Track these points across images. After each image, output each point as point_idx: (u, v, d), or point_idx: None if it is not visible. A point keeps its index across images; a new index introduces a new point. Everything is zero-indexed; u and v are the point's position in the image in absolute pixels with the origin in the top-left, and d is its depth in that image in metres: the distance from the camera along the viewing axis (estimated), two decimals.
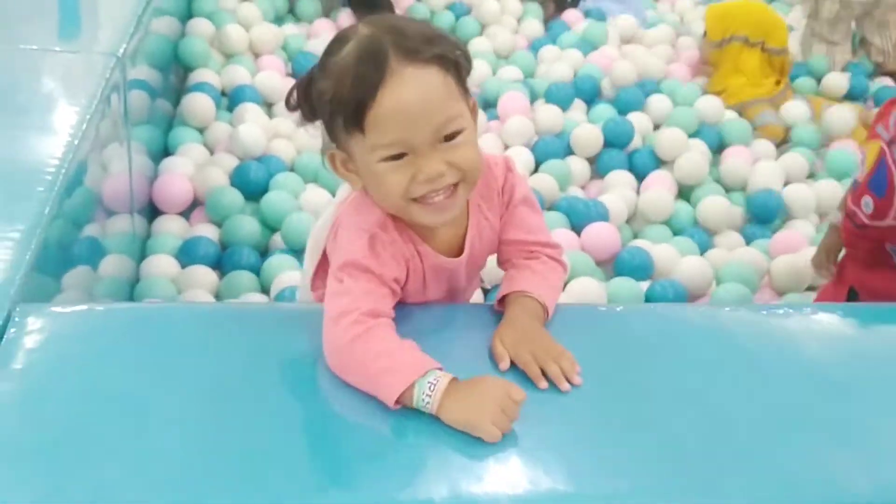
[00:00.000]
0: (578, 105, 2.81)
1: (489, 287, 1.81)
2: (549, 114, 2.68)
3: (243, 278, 2.02)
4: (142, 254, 2.08)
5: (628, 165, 2.58)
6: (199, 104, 2.47)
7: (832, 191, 2.43)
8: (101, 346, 1.09)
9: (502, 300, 1.18)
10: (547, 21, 3.40)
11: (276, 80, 2.71)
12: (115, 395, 1.02)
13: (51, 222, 1.32)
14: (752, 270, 2.13)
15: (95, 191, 1.65)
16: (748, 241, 2.34)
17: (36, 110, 1.62)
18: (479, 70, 2.86)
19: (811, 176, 2.59)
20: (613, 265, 2.18)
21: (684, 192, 2.50)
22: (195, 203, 2.25)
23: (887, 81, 3.13)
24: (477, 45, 3.08)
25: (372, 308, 1.05)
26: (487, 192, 1.18)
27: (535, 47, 3.11)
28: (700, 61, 3.01)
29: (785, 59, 2.85)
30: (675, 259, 2.19)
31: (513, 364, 1.07)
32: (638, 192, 2.47)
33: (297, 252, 2.12)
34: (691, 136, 2.62)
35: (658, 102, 2.75)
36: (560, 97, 2.76)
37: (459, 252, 1.18)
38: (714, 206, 2.36)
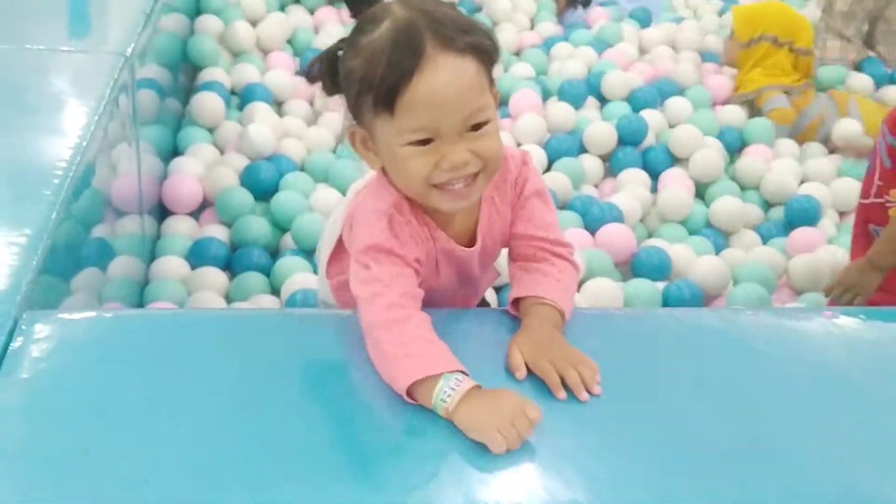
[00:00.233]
0: (592, 102, 2.78)
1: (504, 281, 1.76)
2: (561, 111, 2.65)
3: (254, 280, 2.00)
4: (151, 255, 2.06)
5: (642, 163, 2.55)
6: (208, 103, 2.45)
7: (852, 188, 2.39)
8: (110, 355, 1.06)
9: (515, 303, 1.16)
10: (559, 16, 3.37)
11: (286, 78, 2.69)
12: (124, 405, 1.00)
13: (58, 226, 1.30)
14: (769, 270, 2.10)
15: (104, 192, 1.63)
16: (764, 240, 2.31)
17: (43, 111, 1.60)
18: None
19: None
20: (631, 265, 2.15)
21: (699, 191, 2.47)
22: (205, 203, 2.23)
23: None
24: None
25: (404, 291, 1.05)
26: (501, 184, 1.18)
27: (548, 45, 3.08)
28: (725, 61, 2.97)
29: (811, 61, 2.81)
30: (691, 259, 2.16)
31: (531, 373, 1.05)
32: (651, 191, 2.44)
33: (308, 253, 2.10)
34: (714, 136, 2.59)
35: (676, 104, 2.71)
36: (573, 94, 2.73)
37: (471, 242, 1.18)
38: (728, 205, 2.33)
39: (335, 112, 2.55)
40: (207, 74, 2.60)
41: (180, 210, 2.19)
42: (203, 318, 1.21)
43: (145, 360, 1.06)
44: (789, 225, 2.34)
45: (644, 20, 3.28)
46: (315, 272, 2.02)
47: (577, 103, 2.73)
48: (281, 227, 2.19)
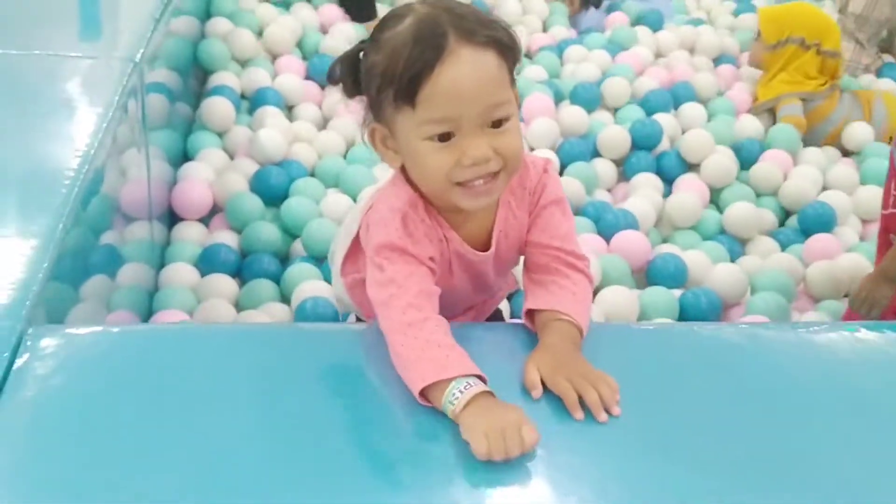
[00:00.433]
0: (604, 106, 2.75)
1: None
2: (574, 115, 2.62)
3: (264, 287, 1.97)
4: (161, 262, 2.04)
5: (656, 168, 2.52)
6: (218, 108, 2.43)
7: (875, 196, 2.35)
8: (117, 371, 1.04)
9: (530, 314, 1.14)
10: (571, 18, 3.33)
11: (296, 82, 2.66)
12: (132, 423, 0.98)
13: (65, 236, 1.28)
14: (788, 278, 2.06)
15: (113, 200, 1.61)
16: (783, 247, 2.27)
17: (51, 118, 1.58)
18: None
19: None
20: (646, 272, 2.12)
21: (713, 196, 2.43)
22: (215, 209, 2.21)
23: None
24: None
25: (419, 290, 1.05)
26: (519, 190, 1.17)
27: (560, 48, 3.05)
28: (750, 63, 2.93)
29: (838, 63, 2.77)
30: (706, 266, 2.13)
31: (547, 391, 1.02)
32: (664, 196, 2.41)
33: (318, 260, 2.08)
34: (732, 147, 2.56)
35: (691, 109, 2.68)
36: (586, 98, 2.70)
37: (486, 247, 1.18)
38: (742, 211, 2.29)
39: (345, 116, 2.55)
40: (217, 78, 2.58)
41: (190, 216, 2.17)
42: (211, 333, 1.19)
43: (154, 376, 1.04)
44: (804, 232, 2.31)
45: (656, 23, 3.24)
46: (325, 279, 2.00)
47: (590, 107, 2.71)
48: (291, 234, 2.17)
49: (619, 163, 2.56)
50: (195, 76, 2.58)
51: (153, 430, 0.97)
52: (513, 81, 1.08)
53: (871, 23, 3.02)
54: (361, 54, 1.09)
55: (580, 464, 0.95)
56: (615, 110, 2.75)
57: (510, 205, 1.17)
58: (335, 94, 2.68)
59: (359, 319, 1.45)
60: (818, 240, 2.23)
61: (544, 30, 3.21)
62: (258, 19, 2.83)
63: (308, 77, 2.75)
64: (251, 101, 2.59)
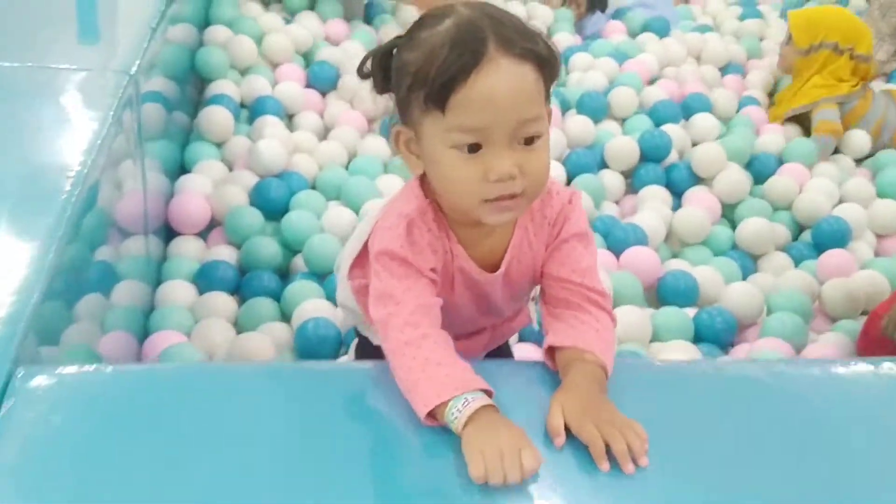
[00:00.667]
0: (611, 115, 2.70)
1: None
2: (580, 125, 2.56)
3: (263, 306, 1.91)
4: (157, 278, 1.98)
5: (665, 181, 2.46)
6: (216, 118, 2.36)
7: (891, 210, 2.30)
8: (111, 415, 0.97)
9: (550, 351, 1.08)
10: (577, 23, 3.27)
11: (297, 90, 2.60)
12: (126, 469, 0.91)
13: (57, 263, 1.21)
14: (804, 297, 2.00)
15: (108, 218, 1.54)
16: (796, 263, 2.21)
17: (43, 134, 1.51)
18: None
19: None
20: (657, 290, 2.06)
21: (726, 211, 2.37)
22: (213, 223, 2.15)
23: None
24: None
25: (417, 304, 1.02)
26: (539, 217, 1.12)
27: (566, 55, 2.99)
28: (780, 68, 2.87)
29: (869, 67, 2.71)
30: (717, 282, 2.08)
31: (570, 435, 0.96)
32: (673, 209, 2.36)
33: (320, 276, 2.01)
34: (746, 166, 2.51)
35: (702, 121, 2.62)
36: (592, 107, 2.64)
37: (494, 268, 1.13)
38: (756, 227, 2.23)
39: (347, 125, 2.49)
40: (216, 87, 2.50)
41: (187, 230, 2.11)
42: (210, 373, 1.12)
43: (149, 419, 0.97)
44: (817, 247, 2.25)
45: (663, 30, 3.18)
46: (327, 297, 1.94)
47: (598, 116, 2.65)
48: (291, 249, 2.10)
49: (626, 174, 2.50)
50: (193, 84, 2.51)
51: (149, 477, 0.91)
52: (548, 99, 1.03)
53: (893, 13, 2.96)
54: (395, 50, 1.05)
55: None
56: (623, 120, 2.69)
57: (527, 230, 1.12)
58: (336, 102, 2.63)
59: (359, 335, 1.40)
60: (832, 255, 2.17)
61: (549, 36, 3.14)
62: (258, 27, 2.76)
63: (309, 85, 2.68)
64: (250, 110, 2.52)
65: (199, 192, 2.15)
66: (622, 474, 0.92)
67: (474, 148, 0.99)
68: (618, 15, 3.26)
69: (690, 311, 1.98)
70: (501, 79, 0.96)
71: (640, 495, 0.92)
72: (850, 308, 2.01)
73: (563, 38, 3.10)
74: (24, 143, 1.49)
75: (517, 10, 3.15)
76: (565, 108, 2.67)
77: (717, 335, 1.91)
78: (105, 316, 1.56)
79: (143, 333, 1.80)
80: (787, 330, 1.88)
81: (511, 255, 1.12)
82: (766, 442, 0.99)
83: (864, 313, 2.01)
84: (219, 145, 2.36)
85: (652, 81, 2.86)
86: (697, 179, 2.46)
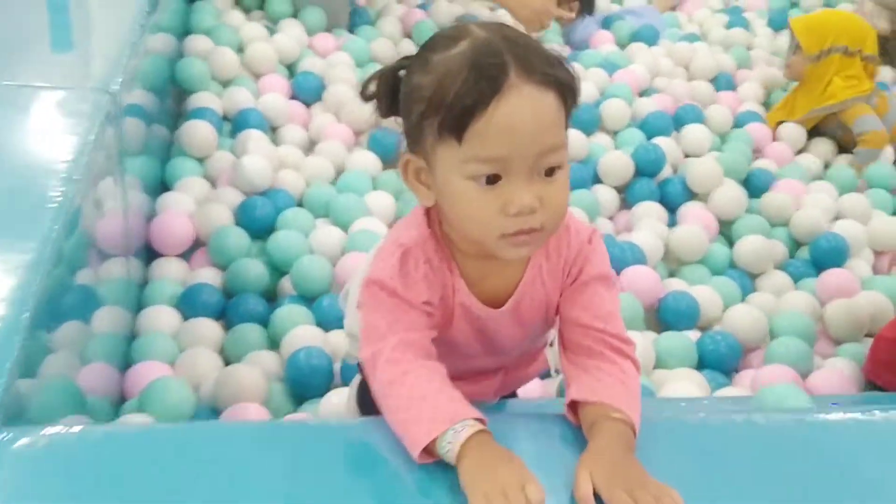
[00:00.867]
0: (603, 128, 2.64)
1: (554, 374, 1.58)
2: (572, 138, 2.50)
3: (250, 332, 1.82)
4: (139, 303, 1.89)
5: (659, 196, 2.40)
6: (198, 132, 2.27)
7: (889, 225, 2.27)
8: (100, 480, 0.89)
9: (572, 405, 1.01)
10: (563, 28, 3.20)
11: (281, 102, 2.51)
12: None
13: (33, 327, 1.13)
14: (807, 320, 1.95)
15: (89, 242, 1.46)
16: (794, 280, 2.16)
17: (19, 158, 1.43)
18: None
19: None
20: (657, 311, 2.00)
21: (722, 228, 2.32)
22: (196, 243, 2.06)
23: None
24: None
25: (399, 340, 0.98)
26: (555, 256, 1.06)
27: None
28: (788, 77, 2.81)
29: (876, 66, 2.68)
30: (717, 303, 2.03)
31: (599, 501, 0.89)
32: (669, 225, 2.30)
33: (309, 300, 1.93)
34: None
35: (694, 134, 2.57)
36: (584, 120, 2.58)
37: (500, 304, 1.06)
38: (754, 245, 2.18)
39: (333, 139, 2.41)
40: (197, 100, 2.41)
41: (169, 251, 2.02)
42: (204, 434, 1.04)
43: (142, 486, 0.89)
44: (815, 264, 2.21)
45: (652, 38, 3.13)
46: (317, 323, 1.86)
47: (589, 129, 2.59)
48: (278, 270, 2.02)
49: (620, 189, 2.44)
50: (173, 97, 2.42)
51: None
52: (567, 126, 0.97)
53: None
54: (403, 72, 1.00)
55: None
56: (614, 133, 2.64)
57: (541, 268, 1.06)
58: (322, 114, 2.54)
59: (362, 371, 1.32)
60: (833, 275, 2.12)
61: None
62: (239, 36, 2.67)
63: (293, 96, 2.60)
64: (233, 123, 2.43)
65: (181, 210, 2.07)
66: None
67: (492, 179, 0.93)
68: (606, 24, 3.20)
69: (692, 334, 1.93)
70: (523, 107, 0.91)
71: None
72: (854, 330, 1.97)
73: (551, 46, 3.03)
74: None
75: (504, 19, 3.08)
76: None
77: (722, 361, 1.85)
78: (86, 346, 1.48)
79: (125, 364, 1.72)
80: (792, 356, 1.82)
81: (521, 293, 1.06)
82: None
83: (868, 335, 1.97)
84: (201, 161, 2.27)
85: (643, 93, 2.81)
86: (691, 194, 2.41)
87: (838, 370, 1.82)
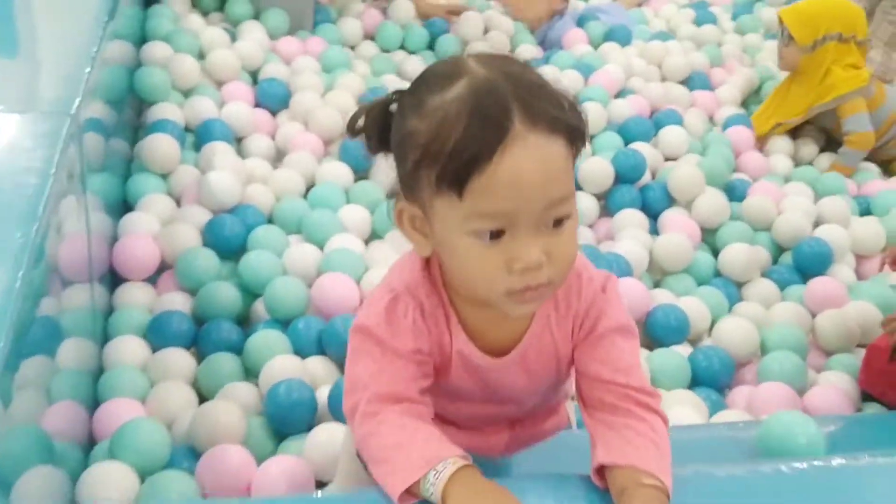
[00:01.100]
0: None
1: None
2: None
3: (224, 362, 1.73)
4: (104, 333, 1.78)
5: (640, 203, 2.35)
6: (160, 146, 2.15)
7: (871, 229, 2.23)
8: None
9: (600, 469, 0.92)
10: (540, 29, 3.12)
11: (245, 111, 2.41)
12: None
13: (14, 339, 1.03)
14: (799, 333, 1.91)
15: (54, 269, 1.35)
16: (780, 287, 2.11)
17: None
18: None
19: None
20: (645, 325, 1.93)
21: (705, 236, 2.27)
22: (163, 265, 1.95)
23: None
24: None
25: (376, 392, 0.93)
26: (564, 307, 0.99)
27: None
28: (783, 68, 2.75)
29: (866, 49, 2.64)
30: (704, 314, 1.98)
31: None
32: (651, 232, 2.25)
33: (285, 324, 1.84)
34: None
35: (672, 138, 2.52)
36: None
37: (504, 353, 0.99)
38: (739, 254, 2.13)
39: (302, 150, 2.31)
40: (158, 111, 2.30)
41: (134, 276, 1.91)
42: None
43: None
44: (799, 270, 2.17)
45: (625, 38, 3.07)
46: (295, 351, 1.78)
47: None
48: (251, 293, 1.93)
49: (600, 196, 2.38)
50: (132, 107, 2.31)
51: None
52: (574, 169, 0.89)
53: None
54: (393, 107, 0.92)
55: None
56: (591, 137, 2.57)
57: (549, 320, 0.99)
58: (289, 123, 2.43)
59: None
60: (820, 283, 2.08)
61: (511, 49, 2.99)
62: (199, 41, 2.56)
63: (257, 104, 2.49)
64: (196, 135, 2.32)
65: (145, 232, 1.96)
66: None
67: (496, 234, 0.86)
68: (580, 22, 3.13)
69: (682, 349, 1.88)
70: (530, 158, 0.83)
71: None
72: (845, 341, 1.93)
73: (525, 50, 2.95)
74: None
75: (474, 20, 2.99)
76: None
77: (715, 377, 1.80)
78: (51, 385, 1.37)
79: (94, 402, 1.61)
80: (787, 372, 1.78)
81: (528, 343, 0.99)
82: None
83: (859, 345, 1.93)
84: (164, 177, 2.16)
85: (618, 94, 2.75)
86: (672, 200, 2.36)
87: (833, 385, 1.78)
